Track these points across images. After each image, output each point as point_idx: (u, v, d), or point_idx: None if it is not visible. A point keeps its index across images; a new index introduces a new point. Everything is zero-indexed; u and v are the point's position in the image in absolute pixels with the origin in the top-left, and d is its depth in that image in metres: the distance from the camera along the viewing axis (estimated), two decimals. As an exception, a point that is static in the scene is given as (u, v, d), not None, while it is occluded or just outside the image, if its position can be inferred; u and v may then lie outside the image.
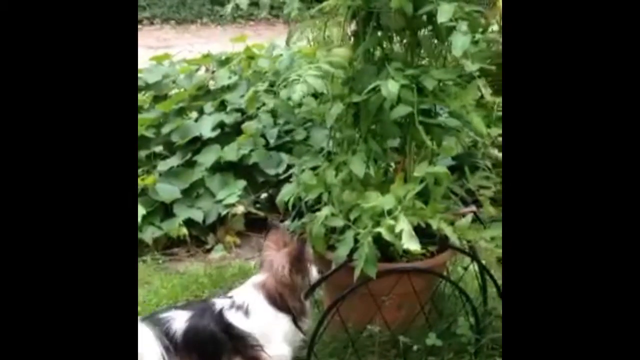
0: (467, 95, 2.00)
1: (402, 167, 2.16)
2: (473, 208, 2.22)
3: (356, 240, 1.96)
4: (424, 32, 2.04)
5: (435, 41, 2.01)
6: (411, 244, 1.86)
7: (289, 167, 3.19)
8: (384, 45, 2.11)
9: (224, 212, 3.17)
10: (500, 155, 2.31)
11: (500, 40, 4.57)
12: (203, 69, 4.05)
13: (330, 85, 2.06)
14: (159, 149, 3.44)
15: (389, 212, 1.94)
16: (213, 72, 3.79)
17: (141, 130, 3.40)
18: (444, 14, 1.80)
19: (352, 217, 2.01)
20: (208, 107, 3.53)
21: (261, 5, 1.99)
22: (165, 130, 3.46)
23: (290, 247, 1.96)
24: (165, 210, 3.20)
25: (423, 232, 1.98)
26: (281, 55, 2.85)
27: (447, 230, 1.99)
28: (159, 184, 3.22)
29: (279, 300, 1.92)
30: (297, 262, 1.94)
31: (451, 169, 2.52)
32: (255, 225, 3.27)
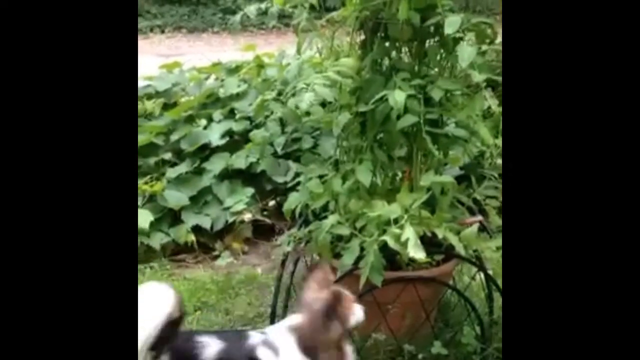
0: (474, 105, 2.01)
1: (409, 176, 2.18)
2: (479, 217, 2.23)
3: (362, 249, 1.98)
4: (431, 42, 2.05)
5: (442, 52, 2.03)
6: (417, 253, 1.86)
7: (297, 175, 3.20)
8: (392, 56, 2.13)
9: (231, 219, 3.20)
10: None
11: (498, 52, 4.58)
12: (213, 77, 4.09)
13: (338, 94, 2.08)
14: (167, 156, 3.47)
15: (395, 221, 1.95)
16: (222, 80, 3.82)
17: (150, 138, 3.43)
18: (451, 26, 1.82)
19: (358, 225, 2.03)
20: (217, 115, 3.56)
21: (270, 14, 2.01)
22: (174, 137, 3.49)
23: (327, 294, 1.79)
24: (173, 217, 3.23)
25: (429, 241, 1.99)
26: (289, 64, 2.87)
27: (453, 240, 2.00)
28: (167, 190, 3.24)
29: (310, 347, 1.78)
30: (332, 312, 1.77)
31: (459, 178, 2.54)
32: (263, 233, 3.30)
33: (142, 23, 10.68)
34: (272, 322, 2.29)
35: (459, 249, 1.99)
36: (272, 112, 2.35)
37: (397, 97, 1.88)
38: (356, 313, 1.82)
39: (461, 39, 1.92)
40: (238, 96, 3.64)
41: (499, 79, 1.96)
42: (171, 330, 1.62)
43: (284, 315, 2.28)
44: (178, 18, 11.45)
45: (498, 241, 2.07)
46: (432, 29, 2.01)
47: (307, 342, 1.77)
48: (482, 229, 2.24)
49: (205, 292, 2.81)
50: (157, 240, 3.10)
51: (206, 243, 3.22)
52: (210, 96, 3.72)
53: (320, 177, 2.23)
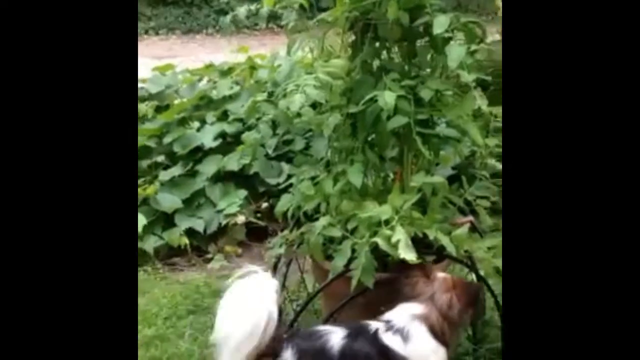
0: (464, 105, 2.01)
1: (400, 177, 2.17)
2: (470, 218, 2.23)
3: (353, 250, 1.97)
4: (421, 42, 2.05)
5: (432, 52, 2.02)
6: (408, 254, 1.86)
7: (290, 176, 3.20)
8: (382, 56, 2.12)
9: (224, 222, 3.19)
10: (497, 165, 2.32)
11: (500, 50, 4.58)
12: (206, 79, 4.08)
13: (328, 96, 2.08)
14: (160, 158, 3.46)
15: (386, 222, 1.94)
16: (215, 82, 3.82)
17: (143, 140, 3.42)
18: (439, 26, 1.82)
19: (349, 227, 2.02)
20: (210, 117, 3.55)
21: (260, 16, 2.00)
22: (167, 140, 3.49)
23: (462, 289, 1.89)
24: (167, 220, 3.22)
25: (420, 242, 1.99)
26: (280, 65, 2.86)
27: (444, 240, 2.00)
28: (160, 193, 3.24)
29: (440, 333, 1.85)
30: (471, 307, 1.91)
31: (450, 179, 2.54)
32: (256, 235, 3.29)
33: (136, 25, 10.64)
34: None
35: (450, 249, 1.98)
36: (263, 114, 2.34)
37: (387, 97, 1.88)
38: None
39: (450, 38, 1.92)
40: (231, 98, 3.64)
41: (488, 78, 1.96)
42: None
43: (277, 317, 2.27)
44: (172, 20, 11.43)
45: (489, 241, 2.07)
46: (421, 29, 2.01)
47: (438, 328, 1.83)
48: (474, 229, 2.23)
49: (199, 295, 2.80)
50: (151, 244, 3.09)
51: (199, 246, 3.22)
52: (203, 98, 3.72)
53: (312, 178, 2.23)
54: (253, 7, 2.10)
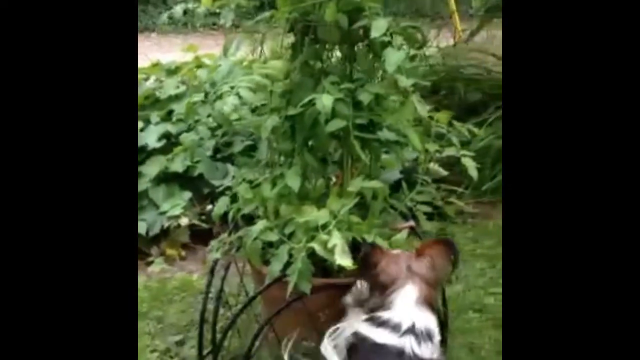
0: (404, 110, 1.99)
1: (340, 182, 2.14)
2: (411, 223, 2.21)
3: (291, 255, 1.93)
4: (360, 46, 2.02)
5: (371, 55, 2.00)
6: (343, 260, 1.83)
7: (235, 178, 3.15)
8: (323, 58, 2.09)
9: (167, 224, 3.12)
10: (441, 170, 2.32)
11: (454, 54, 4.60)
12: (153, 78, 3.99)
13: (267, 98, 2.04)
14: (103, 159, 3.35)
15: (323, 227, 1.91)
16: (162, 81, 3.74)
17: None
18: (377, 29, 1.79)
19: (287, 231, 1.98)
20: (154, 117, 3.47)
21: (197, 15, 1.95)
22: (110, 139, 3.38)
23: (434, 248, 1.82)
24: (107, 222, 3.13)
25: (360, 247, 1.96)
26: (219, 65, 2.81)
27: (384, 245, 1.98)
28: (101, 194, 3.14)
29: (434, 305, 1.79)
30: (448, 261, 1.82)
31: (397, 183, 2.52)
32: (200, 237, 3.22)
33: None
34: (201, 329, 2.24)
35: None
36: (207, 116, 2.29)
37: (325, 100, 1.84)
38: None
39: (390, 43, 1.90)
40: (177, 98, 3.56)
41: (427, 84, 1.95)
42: None
43: (214, 322, 2.22)
44: (127, 17, 11.22)
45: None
46: (360, 32, 1.98)
47: (433, 301, 1.78)
48: (415, 234, 2.22)
49: (139, 299, 2.73)
50: (90, 246, 3.00)
51: (141, 248, 3.14)
52: (148, 98, 3.64)
53: (251, 181, 2.18)
54: (190, 5, 2.04)
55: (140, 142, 3.35)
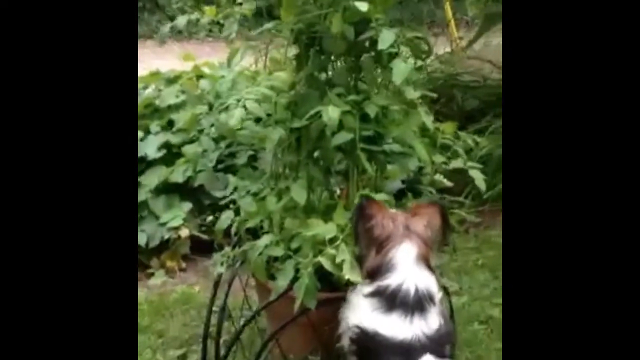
0: (410, 122, 1.97)
1: (346, 194, 2.12)
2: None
3: (297, 270, 1.91)
4: (366, 57, 2.00)
5: (378, 67, 1.98)
6: (352, 275, 1.80)
7: (235, 189, 3.11)
8: (327, 70, 2.07)
9: (167, 236, 3.09)
10: (446, 181, 2.29)
11: (452, 61, 4.58)
12: (152, 87, 3.95)
13: (272, 110, 2.01)
14: (102, 169, 3.32)
15: (330, 241, 1.89)
16: (160, 90, 3.71)
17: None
18: (385, 41, 1.77)
19: (293, 246, 1.96)
20: (154, 126, 3.44)
21: (200, 25, 1.93)
22: (109, 150, 3.35)
23: (430, 210, 1.80)
24: (107, 234, 3.09)
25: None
26: (223, 76, 2.78)
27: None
28: (101, 206, 3.11)
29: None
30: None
31: (400, 194, 2.50)
32: (201, 249, 3.19)
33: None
34: (205, 344, 2.21)
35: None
36: (210, 126, 2.26)
37: (332, 113, 1.82)
38: None
39: (397, 54, 1.88)
40: (176, 107, 3.52)
41: (435, 95, 1.93)
42: None
43: (217, 337, 2.19)
44: (123, 24, 11.19)
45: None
46: (367, 43, 1.96)
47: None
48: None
49: (139, 312, 2.69)
50: (89, 258, 2.96)
51: (141, 260, 3.10)
52: (148, 107, 3.60)
53: (255, 194, 2.16)
54: (193, 16, 2.01)
55: (140, 153, 3.32)
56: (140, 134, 3.49)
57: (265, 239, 1.97)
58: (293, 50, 2.09)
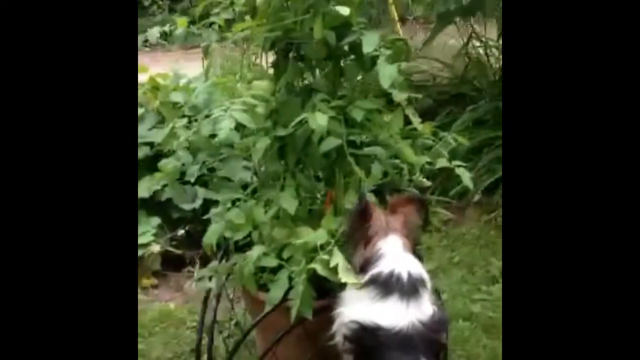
0: (393, 124, 1.97)
1: (332, 199, 2.10)
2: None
3: (290, 279, 1.88)
4: (346, 61, 1.99)
5: (361, 71, 1.97)
6: (348, 277, 1.79)
7: (206, 201, 3.05)
8: (306, 76, 2.05)
9: (140, 253, 3.00)
10: (425, 181, 2.30)
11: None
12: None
13: (254, 119, 1.98)
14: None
15: (322, 247, 1.87)
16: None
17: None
18: (369, 44, 1.77)
19: (284, 255, 1.93)
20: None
21: (175, 36, 1.88)
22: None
23: (407, 205, 1.85)
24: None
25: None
26: (195, 87, 2.72)
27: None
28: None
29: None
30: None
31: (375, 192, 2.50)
32: (172, 264, 3.12)
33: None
34: (197, 361, 2.16)
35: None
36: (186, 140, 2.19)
37: (319, 119, 1.81)
38: None
39: (377, 57, 1.88)
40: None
41: (419, 96, 1.94)
42: None
43: (209, 354, 2.15)
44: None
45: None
46: (347, 47, 1.95)
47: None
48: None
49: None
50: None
51: (112, 280, 3.01)
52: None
53: (234, 204, 2.11)
54: (166, 27, 1.96)
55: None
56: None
57: (256, 251, 1.93)
58: (270, 58, 2.07)
